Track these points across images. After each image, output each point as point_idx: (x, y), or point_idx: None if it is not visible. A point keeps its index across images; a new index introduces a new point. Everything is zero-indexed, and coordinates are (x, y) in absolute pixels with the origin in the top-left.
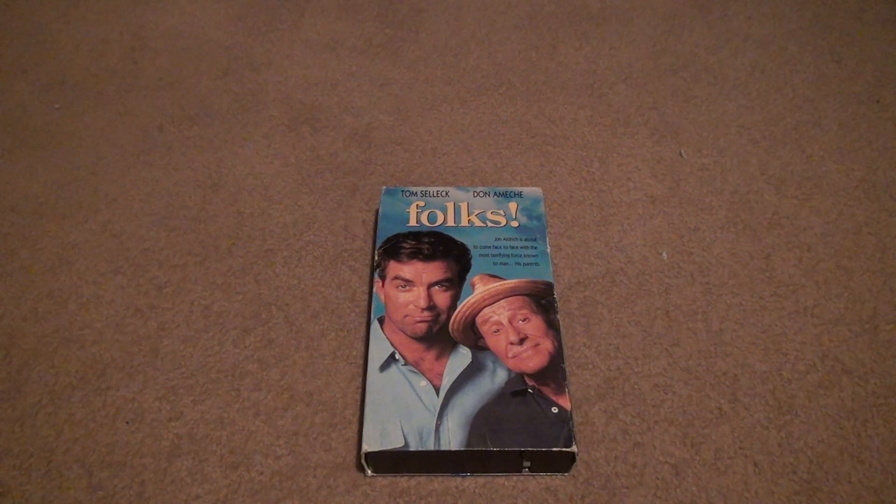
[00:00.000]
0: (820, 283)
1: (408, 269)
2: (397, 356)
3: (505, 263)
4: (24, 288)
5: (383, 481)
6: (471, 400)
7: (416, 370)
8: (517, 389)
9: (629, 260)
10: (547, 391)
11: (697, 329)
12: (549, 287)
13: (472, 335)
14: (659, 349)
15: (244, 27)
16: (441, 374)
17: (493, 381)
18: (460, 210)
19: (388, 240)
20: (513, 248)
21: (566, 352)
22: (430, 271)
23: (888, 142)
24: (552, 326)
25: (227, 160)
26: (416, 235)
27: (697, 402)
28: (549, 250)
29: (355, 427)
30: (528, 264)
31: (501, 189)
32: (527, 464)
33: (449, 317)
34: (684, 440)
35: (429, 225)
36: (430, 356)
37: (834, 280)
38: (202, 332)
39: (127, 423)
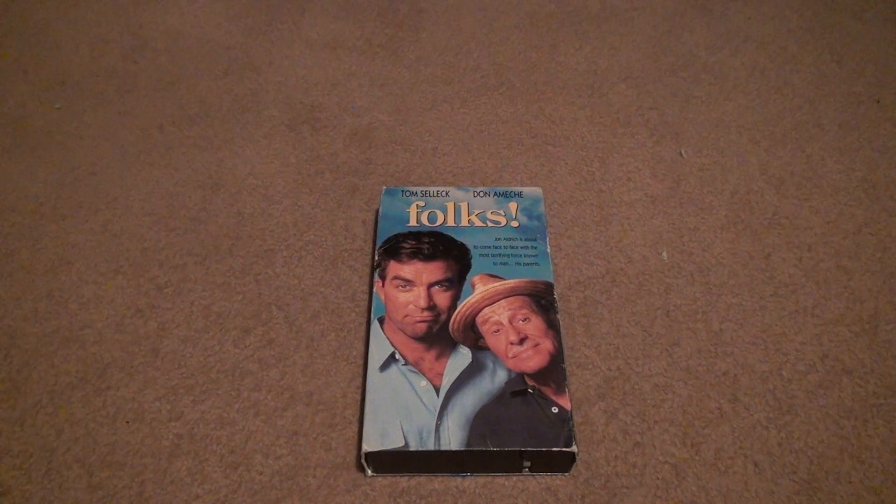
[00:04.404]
0: (820, 283)
1: (408, 269)
2: (397, 356)
3: (505, 263)
4: (24, 288)
5: (383, 481)
6: (471, 400)
7: (416, 370)
8: (517, 389)
9: (629, 260)
10: (547, 391)
11: (697, 329)
12: (549, 287)
13: (473, 335)
14: (659, 349)
15: (244, 27)
16: (441, 374)
17: (493, 381)
18: (460, 210)
19: (389, 240)
20: (513, 248)
21: (566, 352)
22: (431, 271)
23: (888, 142)
24: (552, 326)
25: (227, 160)
26: (417, 235)
27: (697, 402)
28: (549, 250)
29: (355, 427)
30: (528, 264)
31: (501, 189)
32: (527, 464)
33: (449, 317)
34: (684, 440)
35: (429, 225)
36: (430, 356)
37: (834, 280)
38: (202, 332)
39: (127, 422)
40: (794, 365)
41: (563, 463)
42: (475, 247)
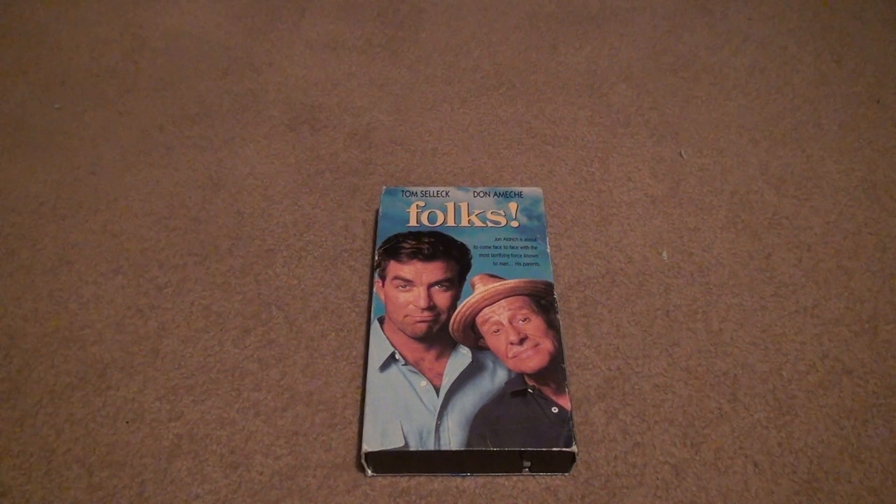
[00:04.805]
0: (820, 283)
1: (408, 269)
2: (397, 356)
3: (505, 263)
4: (24, 288)
5: (383, 481)
6: (471, 400)
7: (416, 370)
8: (517, 389)
9: (629, 260)
10: (547, 391)
11: (697, 329)
12: (549, 287)
13: (473, 335)
14: (659, 349)
15: (244, 27)
16: (441, 374)
17: (493, 381)
18: (460, 210)
19: (389, 240)
20: (513, 248)
21: (566, 352)
22: (431, 271)
23: (888, 142)
24: (552, 326)
25: (227, 160)
26: (417, 235)
27: (697, 402)
28: (549, 250)
29: (355, 427)
30: (528, 264)
31: (501, 189)
32: (527, 464)
33: (449, 317)
34: (684, 440)
35: (429, 225)
36: (430, 356)
37: (834, 280)
38: (202, 332)
39: (127, 423)
40: (794, 365)
41: (563, 463)
42: (475, 247)
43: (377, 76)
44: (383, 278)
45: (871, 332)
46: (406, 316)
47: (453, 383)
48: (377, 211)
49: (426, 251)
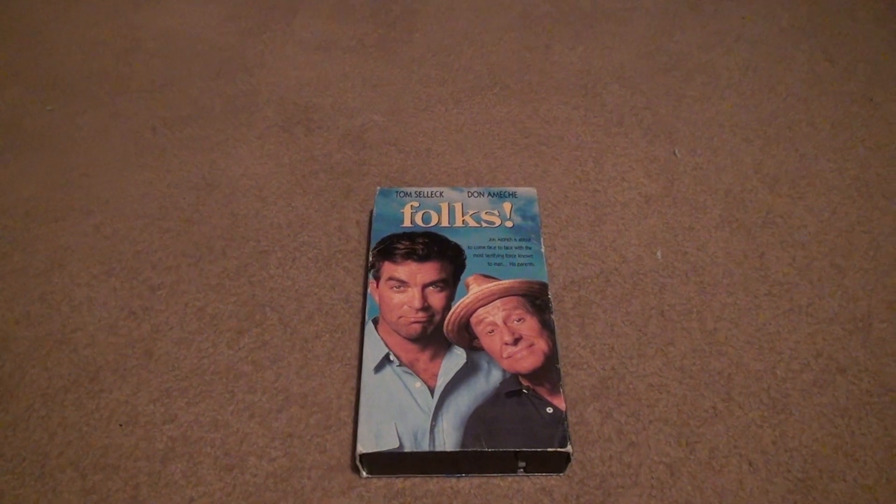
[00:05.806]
0: (814, 282)
1: (402, 270)
2: (392, 357)
3: (499, 264)
4: (17, 291)
5: (378, 482)
6: (465, 401)
7: (410, 371)
8: (512, 390)
9: (623, 259)
10: (542, 391)
11: (692, 328)
12: (543, 287)
13: (467, 336)
14: (654, 349)
15: (237, 28)
16: (436, 375)
17: (487, 381)
18: (455, 210)
19: (383, 240)
20: (507, 248)
21: (561, 352)
22: (425, 272)
23: (881, 140)
24: (547, 326)
25: (221, 161)
26: (411, 236)
27: (692, 402)
28: (543, 250)
29: (350, 428)
30: (522, 264)
31: (496, 189)
32: (522, 464)
33: (443, 317)
34: (679, 440)
35: (423, 225)
36: (424, 357)
37: (828, 279)
38: (196, 333)
39: (120, 425)
40: (789, 364)
41: (558, 463)
42: (469, 247)
43: (371, 77)
44: (377, 279)
45: (865, 330)
46: (400, 317)
47: (448, 384)
48: (371, 212)
49: (420, 252)
